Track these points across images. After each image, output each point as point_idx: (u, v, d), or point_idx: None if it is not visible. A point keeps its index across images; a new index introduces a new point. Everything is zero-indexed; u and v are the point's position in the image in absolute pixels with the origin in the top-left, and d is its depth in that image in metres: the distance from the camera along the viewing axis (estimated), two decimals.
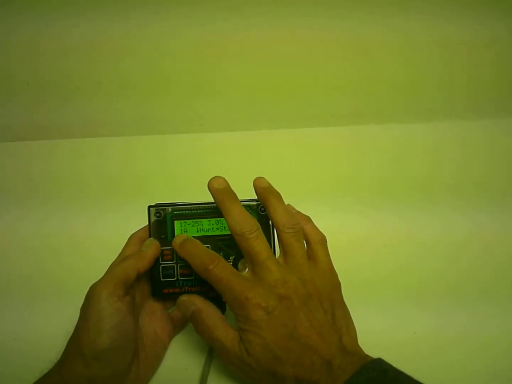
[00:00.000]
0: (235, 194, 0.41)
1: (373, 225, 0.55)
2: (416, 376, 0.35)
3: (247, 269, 0.41)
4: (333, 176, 0.62)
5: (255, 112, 0.68)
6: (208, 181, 0.41)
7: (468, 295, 0.49)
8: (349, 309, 0.41)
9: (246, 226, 0.39)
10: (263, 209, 0.44)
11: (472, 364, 0.43)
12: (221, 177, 0.41)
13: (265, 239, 0.40)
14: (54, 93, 0.66)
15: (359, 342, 0.39)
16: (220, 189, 0.41)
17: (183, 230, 0.43)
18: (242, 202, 0.43)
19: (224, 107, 0.67)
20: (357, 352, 0.38)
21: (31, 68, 0.65)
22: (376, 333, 0.44)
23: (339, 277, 0.42)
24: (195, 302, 0.40)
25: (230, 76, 0.66)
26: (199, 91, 0.66)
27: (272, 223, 0.42)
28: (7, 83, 0.66)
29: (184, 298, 0.41)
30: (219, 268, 0.39)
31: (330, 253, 0.43)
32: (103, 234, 0.55)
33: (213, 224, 0.44)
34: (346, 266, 0.43)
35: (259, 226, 0.40)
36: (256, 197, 0.43)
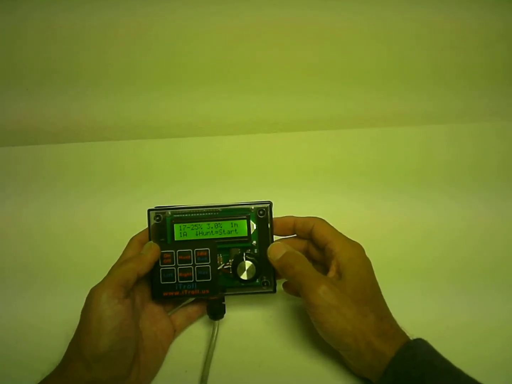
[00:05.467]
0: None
1: (372, 213, 0.57)
2: None
3: (245, 273, 0.43)
4: (333, 170, 0.63)
5: (255, 117, 0.69)
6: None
7: (469, 283, 0.50)
8: None
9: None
10: (261, 212, 0.44)
11: (476, 351, 0.44)
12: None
13: None
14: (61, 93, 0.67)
15: None
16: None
17: (182, 234, 0.44)
18: (239, 206, 0.44)
19: (227, 111, 0.68)
20: None
21: (41, 67, 0.66)
22: None
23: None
24: (286, 246, 0.43)
25: (232, 82, 0.67)
26: (202, 96, 0.67)
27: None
28: (15, 87, 0.66)
29: (277, 242, 0.44)
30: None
31: None
32: (105, 223, 0.56)
33: (212, 227, 0.44)
34: None
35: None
36: (256, 200, 0.44)
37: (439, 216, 0.56)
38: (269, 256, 0.43)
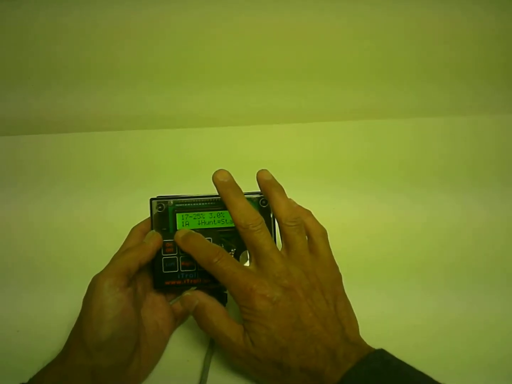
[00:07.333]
0: (239, 188, 0.42)
1: (366, 211, 0.57)
2: (414, 363, 0.35)
3: (248, 262, 0.42)
4: (329, 166, 0.63)
5: (259, 107, 0.69)
6: (212, 174, 0.41)
7: (464, 279, 0.50)
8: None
9: (251, 219, 0.40)
10: (264, 202, 0.44)
11: (472, 348, 0.44)
12: (225, 170, 0.42)
13: (268, 232, 0.41)
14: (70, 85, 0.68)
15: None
16: (225, 182, 0.41)
17: (184, 223, 0.44)
18: None
19: (230, 101, 0.68)
20: (360, 343, 0.38)
21: (44, 61, 0.66)
22: (373, 320, 0.44)
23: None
24: (199, 297, 0.41)
25: (237, 71, 0.67)
26: (204, 86, 0.67)
27: (274, 216, 0.43)
28: (22, 78, 0.67)
29: (187, 293, 0.41)
30: (223, 261, 0.40)
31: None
32: (110, 217, 0.56)
33: (214, 217, 0.44)
34: (338, 254, 0.43)
35: (263, 219, 0.41)
36: (258, 190, 0.44)
37: (434, 212, 0.56)
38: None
